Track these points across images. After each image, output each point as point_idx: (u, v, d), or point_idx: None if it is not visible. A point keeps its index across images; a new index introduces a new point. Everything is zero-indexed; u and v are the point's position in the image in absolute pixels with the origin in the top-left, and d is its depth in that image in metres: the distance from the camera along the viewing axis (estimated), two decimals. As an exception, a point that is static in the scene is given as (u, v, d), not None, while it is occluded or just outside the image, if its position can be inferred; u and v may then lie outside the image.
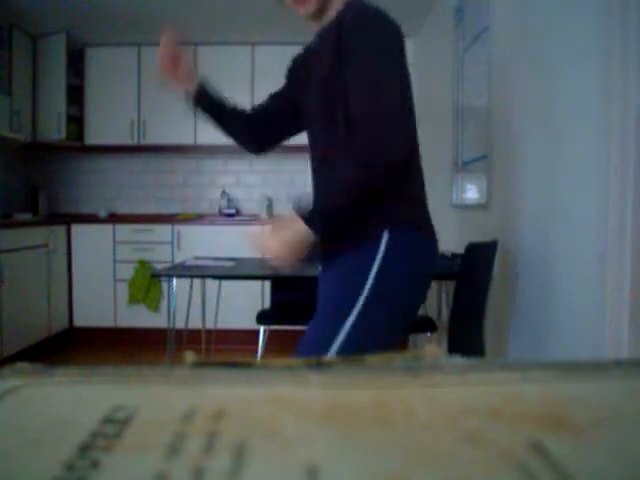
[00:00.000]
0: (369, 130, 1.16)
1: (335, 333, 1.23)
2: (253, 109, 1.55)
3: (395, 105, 1.17)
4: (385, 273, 1.24)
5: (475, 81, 2.73)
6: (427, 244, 1.32)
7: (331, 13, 1.29)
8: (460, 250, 2.00)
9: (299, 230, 1.19)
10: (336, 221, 1.24)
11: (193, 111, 1.50)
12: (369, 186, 1.19)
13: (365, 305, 1.22)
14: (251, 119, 1.53)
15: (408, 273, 1.28)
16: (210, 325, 3.36)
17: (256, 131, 1.54)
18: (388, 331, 1.28)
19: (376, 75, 1.17)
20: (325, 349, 1.23)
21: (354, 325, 1.22)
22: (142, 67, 4.31)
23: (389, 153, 1.16)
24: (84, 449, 0.15)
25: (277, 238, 1.20)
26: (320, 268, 1.41)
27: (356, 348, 1.21)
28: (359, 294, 1.23)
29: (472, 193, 2.78)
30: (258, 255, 1.22)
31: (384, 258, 1.24)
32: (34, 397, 0.19)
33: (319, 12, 1.29)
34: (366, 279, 1.23)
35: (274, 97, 1.54)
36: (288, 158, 4.41)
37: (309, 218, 1.19)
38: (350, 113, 1.19)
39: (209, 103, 1.47)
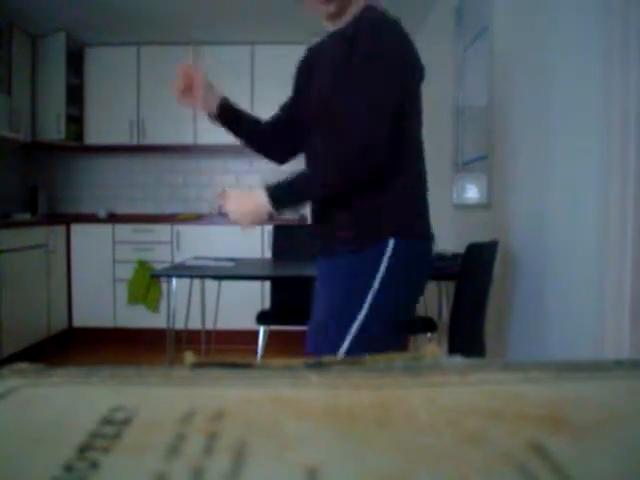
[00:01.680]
0: (353, 131, 1.21)
1: (340, 340, 1.28)
2: (269, 121, 1.57)
3: (384, 111, 1.20)
4: (388, 281, 1.27)
5: (475, 81, 2.73)
6: (427, 248, 1.36)
7: (347, 17, 1.31)
8: (460, 250, 2.00)
9: (257, 200, 1.28)
10: (299, 204, 1.39)
11: (216, 124, 1.54)
12: (346, 186, 1.26)
13: (367, 315, 1.27)
14: (269, 131, 1.55)
15: (410, 279, 1.33)
16: (210, 325, 3.36)
17: (275, 143, 1.57)
18: (389, 334, 1.32)
19: (372, 79, 1.20)
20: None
21: (357, 334, 1.27)
22: (142, 67, 4.31)
23: (370, 157, 1.21)
24: (83, 450, 0.15)
25: (238, 205, 1.32)
26: (319, 257, 1.44)
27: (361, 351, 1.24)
28: (362, 303, 1.27)
29: (472, 193, 2.78)
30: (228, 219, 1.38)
31: (388, 266, 1.27)
32: (34, 397, 0.19)
33: (337, 14, 1.31)
34: (369, 286, 1.27)
35: (284, 109, 1.55)
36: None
37: (272, 189, 1.28)
38: (338, 112, 1.23)
39: (231, 118, 1.51)
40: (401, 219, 1.31)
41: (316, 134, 1.36)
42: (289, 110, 1.51)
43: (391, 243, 1.28)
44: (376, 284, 1.27)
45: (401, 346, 1.41)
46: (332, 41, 1.34)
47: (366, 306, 1.27)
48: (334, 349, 1.28)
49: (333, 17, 1.32)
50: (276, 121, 1.54)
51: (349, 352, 1.26)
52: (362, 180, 1.25)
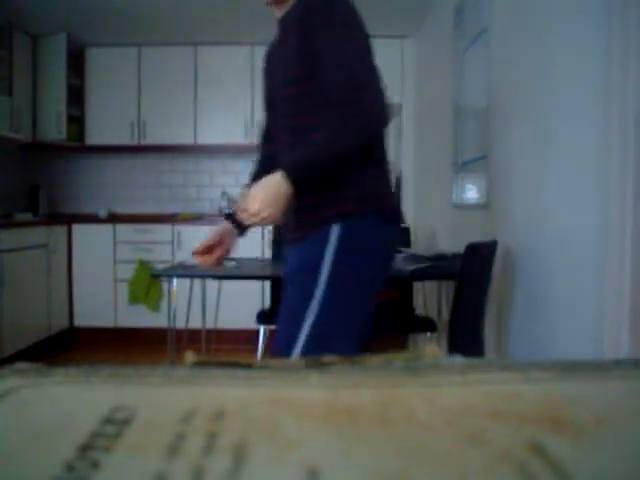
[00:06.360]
0: (357, 95, 1.18)
1: (295, 339, 1.22)
2: (262, 158, 1.56)
3: (375, 81, 1.21)
4: (338, 269, 1.21)
5: (475, 81, 2.73)
6: (384, 229, 1.27)
7: (292, 1, 1.31)
8: (460, 250, 2.00)
9: (274, 182, 1.16)
10: (317, 172, 1.22)
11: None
12: (354, 144, 1.19)
13: (321, 308, 1.21)
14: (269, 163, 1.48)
15: (365, 265, 1.24)
16: (210, 325, 3.36)
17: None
18: (347, 330, 1.25)
19: (354, 51, 1.21)
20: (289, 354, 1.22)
21: (310, 332, 1.21)
22: (142, 67, 4.31)
23: (372, 120, 1.19)
24: (84, 449, 0.15)
25: (254, 198, 1.16)
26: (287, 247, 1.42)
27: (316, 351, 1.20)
28: (312, 296, 1.21)
29: (472, 193, 2.78)
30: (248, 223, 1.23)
31: (336, 252, 1.20)
32: (34, 397, 0.19)
33: None
34: (317, 279, 1.21)
35: (265, 136, 1.54)
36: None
37: (289, 165, 1.17)
38: (329, 80, 1.20)
39: None
40: (344, 201, 1.23)
41: (286, 125, 1.33)
42: (267, 133, 1.50)
43: (335, 227, 1.21)
44: (323, 278, 1.20)
45: (360, 349, 1.29)
46: (283, 25, 1.33)
47: (315, 303, 1.21)
48: (289, 350, 1.21)
49: (278, 2, 1.32)
50: (266, 152, 1.52)
51: (303, 353, 1.20)
52: (361, 140, 1.19)
